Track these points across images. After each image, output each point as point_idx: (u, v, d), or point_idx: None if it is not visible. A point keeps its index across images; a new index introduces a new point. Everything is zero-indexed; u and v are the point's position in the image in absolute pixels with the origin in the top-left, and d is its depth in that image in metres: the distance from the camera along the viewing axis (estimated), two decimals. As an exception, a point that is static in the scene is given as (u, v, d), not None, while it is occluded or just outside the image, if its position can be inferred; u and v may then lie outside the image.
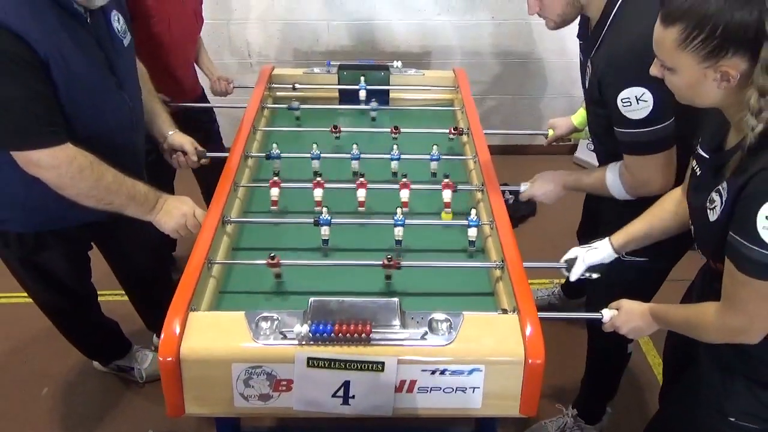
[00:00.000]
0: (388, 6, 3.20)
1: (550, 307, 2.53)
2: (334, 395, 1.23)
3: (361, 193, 1.65)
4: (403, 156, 1.80)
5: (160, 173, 2.05)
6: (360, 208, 1.66)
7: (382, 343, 1.20)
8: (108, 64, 1.50)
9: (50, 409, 2.16)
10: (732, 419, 1.22)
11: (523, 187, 1.79)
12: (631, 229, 1.43)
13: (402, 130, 1.95)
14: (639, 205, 1.53)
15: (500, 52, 3.38)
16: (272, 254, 1.40)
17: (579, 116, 2.05)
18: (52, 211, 1.56)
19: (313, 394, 1.22)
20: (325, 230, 1.53)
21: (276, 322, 1.23)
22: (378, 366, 1.19)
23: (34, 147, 1.36)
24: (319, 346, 1.19)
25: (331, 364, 1.19)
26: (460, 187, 1.69)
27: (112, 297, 2.28)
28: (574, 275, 1.46)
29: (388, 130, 1.95)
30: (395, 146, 1.81)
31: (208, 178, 2.23)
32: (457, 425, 1.73)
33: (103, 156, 1.46)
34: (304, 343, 1.19)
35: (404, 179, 1.66)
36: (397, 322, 1.23)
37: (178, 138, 1.83)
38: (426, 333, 1.22)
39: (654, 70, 1.12)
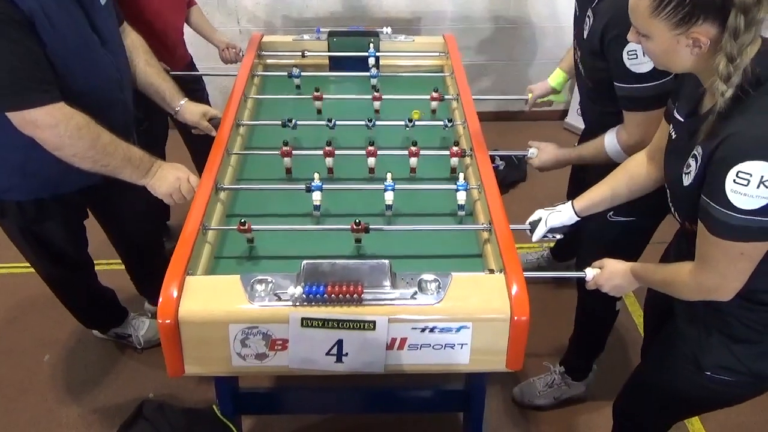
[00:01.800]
0: (378, -29, 3.17)
1: (539, 269, 2.58)
2: (327, 353, 1.27)
3: (371, 161, 1.67)
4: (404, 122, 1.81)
5: (151, 141, 2.06)
6: (370, 174, 1.68)
7: (374, 302, 1.24)
8: (89, 22, 1.49)
9: (52, 375, 2.21)
10: (708, 373, 1.26)
11: (531, 152, 1.82)
12: (592, 194, 1.46)
13: (391, 96, 1.95)
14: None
15: (491, 17, 3.35)
16: (243, 220, 1.43)
17: (557, 77, 2.05)
18: (50, 176, 1.58)
19: (308, 352, 1.26)
20: (316, 196, 1.55)
21: (270, 285, 1.26)
22: (369, 325, 1.23)
23: (30, 105, 1.36)
24: (312, 307, 1.23)
25: (324, 323, 1.23)
26: (447, 153, 1.71)
27: (108, 267, 2.31)
28: (536, 236, 1.51)
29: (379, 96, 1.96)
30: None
31: (198, 146, 2.24)
32: (448, 381, 1.79)
33: (94, 115, 1.46)
34: (298, 304, 1.23)
35: (413, 147, 1.67)
36: (387, 282, 1.26)
37: (189, 116, 1.82)
38: (416, 293, 1.25)
39: (631, 37, 1.14)
